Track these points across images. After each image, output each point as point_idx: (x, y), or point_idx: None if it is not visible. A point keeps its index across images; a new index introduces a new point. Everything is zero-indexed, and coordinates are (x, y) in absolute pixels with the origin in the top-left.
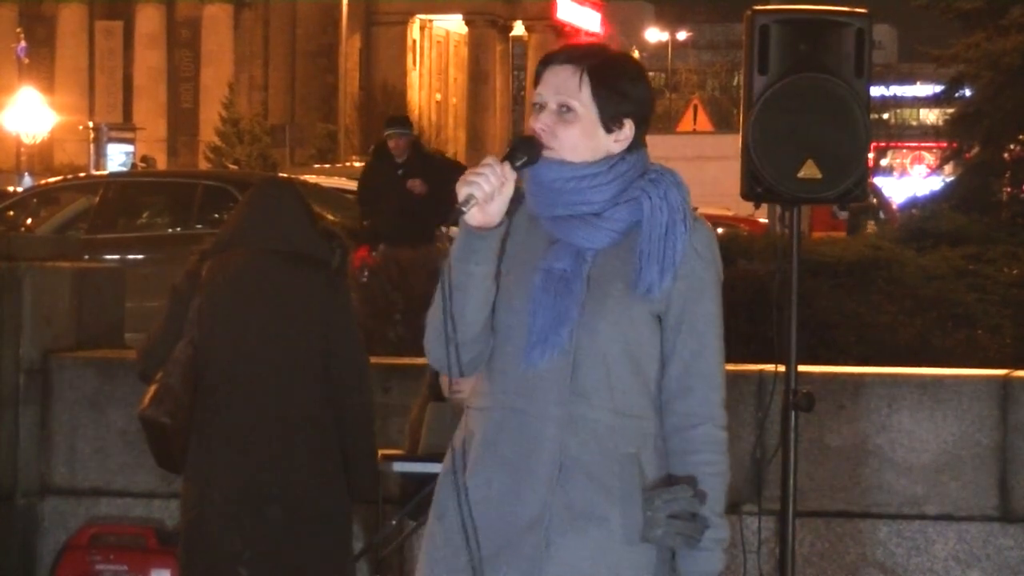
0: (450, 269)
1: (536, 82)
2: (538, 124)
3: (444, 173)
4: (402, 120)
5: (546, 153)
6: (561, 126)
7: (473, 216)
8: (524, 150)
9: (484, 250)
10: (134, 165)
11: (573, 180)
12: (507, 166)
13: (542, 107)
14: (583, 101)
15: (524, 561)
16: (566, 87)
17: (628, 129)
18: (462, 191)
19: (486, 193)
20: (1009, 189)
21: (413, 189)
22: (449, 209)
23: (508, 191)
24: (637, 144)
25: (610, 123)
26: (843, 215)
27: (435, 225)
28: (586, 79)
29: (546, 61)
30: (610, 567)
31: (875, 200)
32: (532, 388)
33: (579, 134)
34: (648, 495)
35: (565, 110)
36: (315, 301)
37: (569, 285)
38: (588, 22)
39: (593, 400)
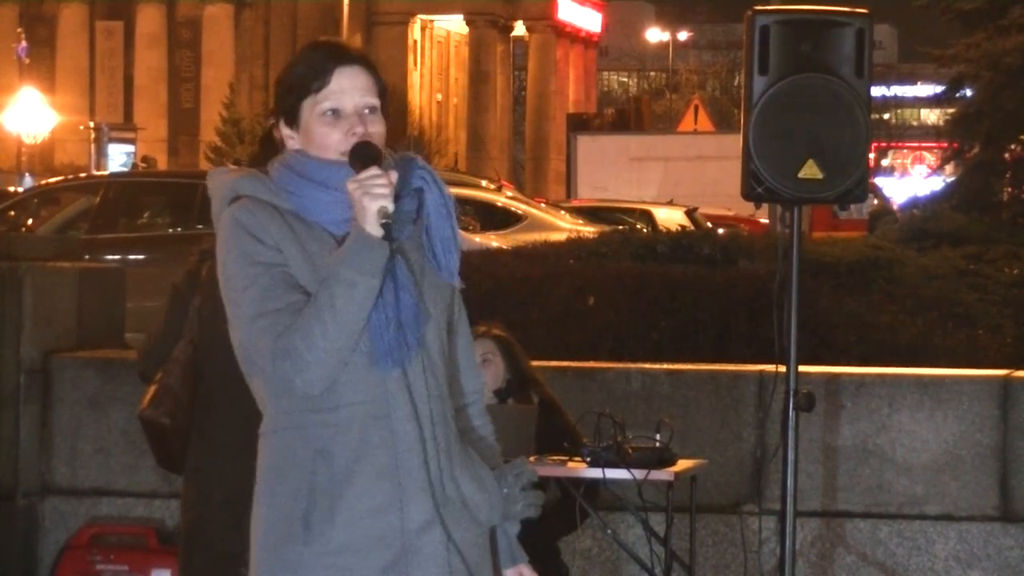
0: (355, 285)
1: (318, 87)
2: (360, 128)
3: None
4: None
5: None
6: (373, 127)
7: (376, 228)
8: (377, 156)
9: (382, 262)
10: (135, 165)
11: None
12: (392, 174)
13: (339, 111)
14: (379, 99)
15: (427, 561)
16: (369, 88)
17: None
18: (375, 205)
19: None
20: (1010, 189)
21: None
22: None
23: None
24: None
25: (385, 117)
26: (843, 214)
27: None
28: (375, 78)
29: (334, 63)
30: (484, 550)
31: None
32: (392, 392)
33: (384, 132)
34: (497, 474)
35: (372, 111)
36: None
37: (404, 285)
38: (589, 22)
39: (442, 392)
